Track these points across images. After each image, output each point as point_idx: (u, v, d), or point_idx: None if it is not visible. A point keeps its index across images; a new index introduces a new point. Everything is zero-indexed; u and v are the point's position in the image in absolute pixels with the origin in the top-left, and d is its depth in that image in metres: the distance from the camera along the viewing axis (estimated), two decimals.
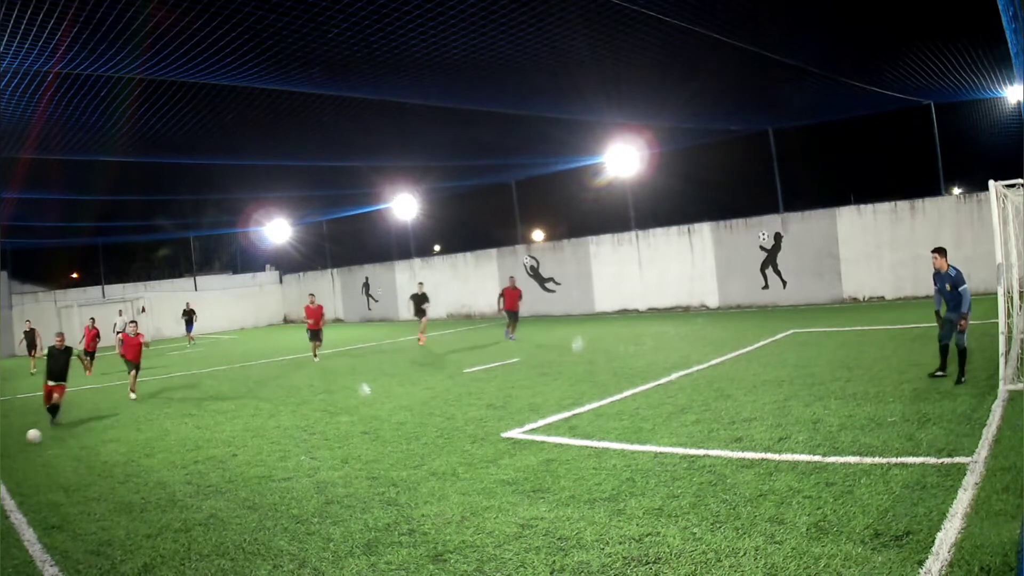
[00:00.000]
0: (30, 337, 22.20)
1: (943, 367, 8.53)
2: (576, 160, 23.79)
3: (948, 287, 8.33)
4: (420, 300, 19.51)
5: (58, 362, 11.70)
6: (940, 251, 8.56)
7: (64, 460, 8.54)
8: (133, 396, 13.43)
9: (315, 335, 17.92)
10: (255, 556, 4.88)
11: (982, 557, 3.84)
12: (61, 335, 12.31)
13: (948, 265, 8.40)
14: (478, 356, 15.45)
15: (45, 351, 11.99)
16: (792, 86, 14.81)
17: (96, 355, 19.30)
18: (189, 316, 28.89)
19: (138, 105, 11.60)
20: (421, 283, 20.52)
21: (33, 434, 9.58)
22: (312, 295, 19.53)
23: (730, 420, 7.57)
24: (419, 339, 19.17)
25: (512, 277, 19.71)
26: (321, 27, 8.84)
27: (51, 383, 11.52)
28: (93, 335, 19.56)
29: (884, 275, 19.24)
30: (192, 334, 28.86)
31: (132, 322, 14.95)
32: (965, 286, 8.18)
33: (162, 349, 26.74)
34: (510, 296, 18.40)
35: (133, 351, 13.85)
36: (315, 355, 18.02)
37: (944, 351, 8.51)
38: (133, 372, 13.72)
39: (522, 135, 18.22)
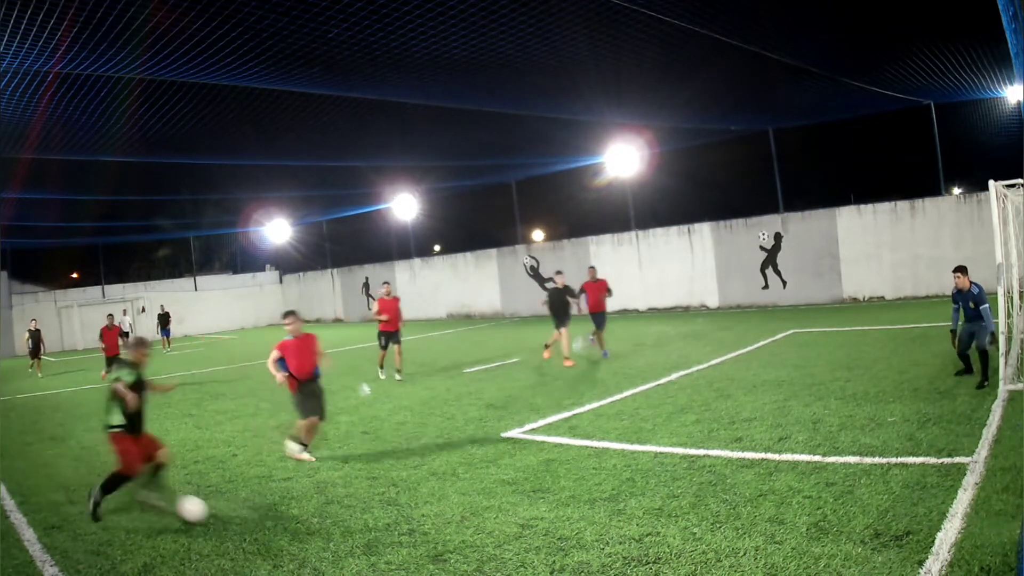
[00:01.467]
0: (35, 338, 20.25)
1: (968, 369, 8.38)
2: (576, 160, 23.79)
3: (972, 304, 8.16)
4: (562, 301, 13.18)
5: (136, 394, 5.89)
6: (962, 270, 8.33)
7: (64, 460, 8.54)
8: (307, 457, 7.39)
9: (392, 338, 12.77)
10: (255, 556, 4.88)
11: (982, 557, 3.84)
12: (141, 343, 6.33)
13: (971, 283, 8.22)
14: (478, 356, 15.44)
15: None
16: (792, 86, 14.81)
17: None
18: (164, 320, 26.51)
19: (138, 105, 11.60)
20: (560, 272, 13.87)
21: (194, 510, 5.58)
22: (387, 283, 13.55)
23: (730, 420, 7.57)
24: (565, 362, 12.87)
25: (592, 268, 14.41)
26: (321, 27, 8.84)
27: (133, 435, 5.95)
28: (115, 335, 15.83)
29: (884, 275, 19.23)
30: (169, 338, 26.63)
31: (290, 314, 7.77)
32: (986, 305, 8.01)
33: (160, 349, 26.73)
34: (592, 292, 13.61)
35: (304, 365, 7.56)
36: (398, 371, 12.86)
37: (966, 359, 8.40)
38: (313, 420, 7.48)
39: (522, 135, 18.22)
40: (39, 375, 19.41)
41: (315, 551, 4.88)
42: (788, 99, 16.82)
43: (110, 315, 17.39)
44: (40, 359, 20.20)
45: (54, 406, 13.42)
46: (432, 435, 8.22)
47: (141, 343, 6.27)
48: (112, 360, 14.72)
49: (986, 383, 7.83)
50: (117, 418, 5.85)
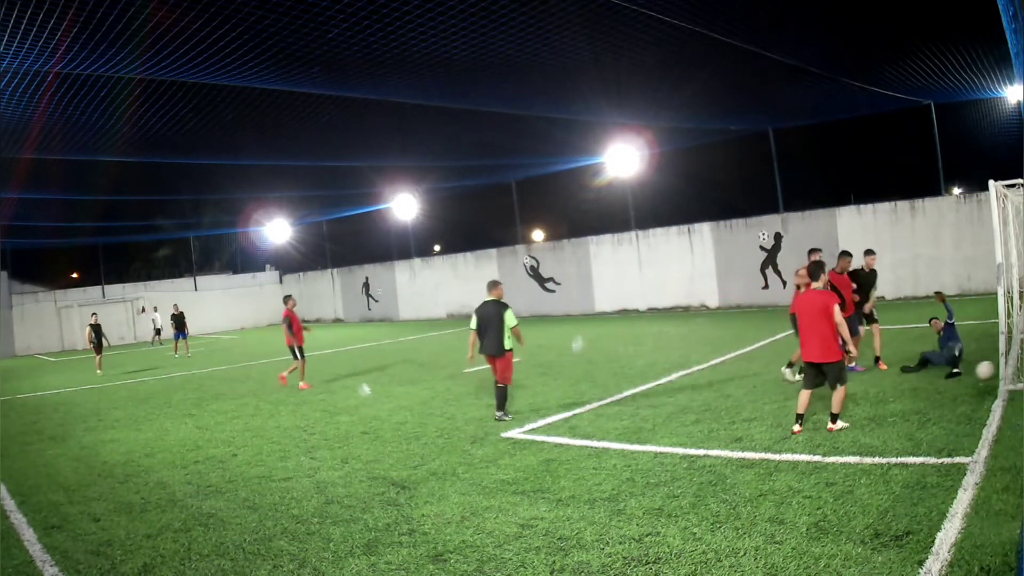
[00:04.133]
0: (98, 332, 19.07)
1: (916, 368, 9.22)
2: (576, 160, 23.79)
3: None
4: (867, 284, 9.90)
5: (488, 315, 8.77)
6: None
7: (64, 460, 8.54)
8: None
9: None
10: (255, 556, 4.88)
11: (982, 557, 3.84)
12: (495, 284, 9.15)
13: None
14: (478, 356, 15.42)
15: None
16: (792, 86, 14.81)
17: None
18: (180, 321, 23.11)
19: (138, 105, 11.61)
20: (848, 254, 9.75)
21: (985, 369, 7.80)
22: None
23: (730, 420, 7.57)
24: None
25: (837, 264, 9.74)
26: (321, 27, 8.84)
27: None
28: (298, 322, 13.13)
29: (884, 275, 19.11)
30: (186, 341, 23.09)
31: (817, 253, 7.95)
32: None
33: (161, 350, 26.72)
34: (843, 287, 9.22)
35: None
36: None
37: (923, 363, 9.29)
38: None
39: (522, 135, 18.21)
40: (99, 372, 18.58)
41: (315, 551, 4.88)
42: (788, 99, 16.81)
43: (289, 296, 13.84)
44: (101, 357, 19.06)
45: (54, 406, 13.43)
46: (432, 435, 8.22)
47: (495, 284, 9.21)
48: (300, 350, 12.96)
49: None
50: (510, 343, 8.74)
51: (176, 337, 23.11)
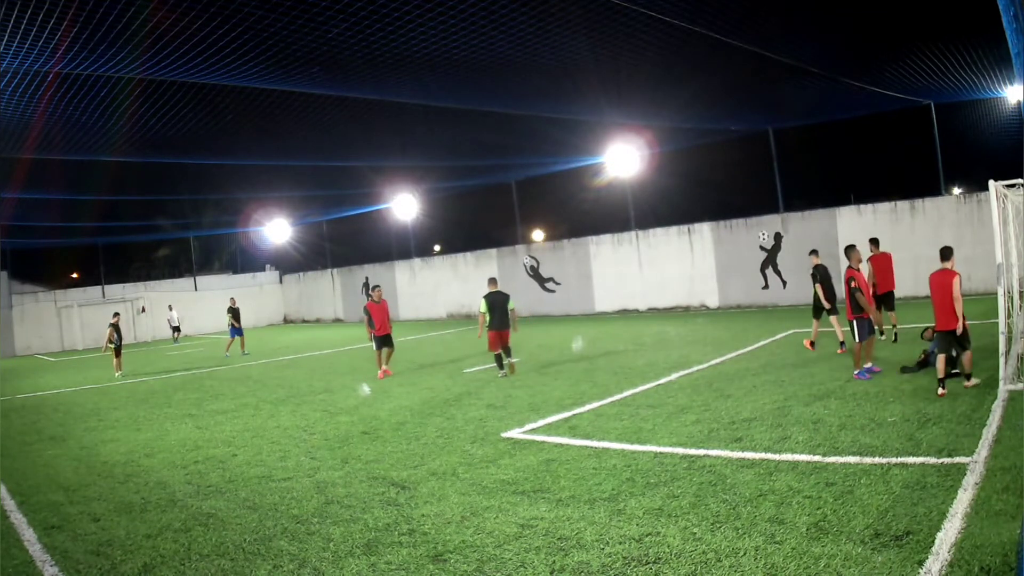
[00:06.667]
0: (117, 331, 18.20)
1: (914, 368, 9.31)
2: (576, 160, 23.80)
3: None
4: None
5: (497, 301, 12.33)
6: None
7: (64, 460, 8.54)
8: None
9: None
10: (255, 556, 4.88)
11: (982, 557, 3.84)
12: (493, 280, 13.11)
13: None
14: (478, 356, 15.44)
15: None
16: (792, 86, 14.81)
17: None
18: (237, 315, 21.11)
19: (138, 105, 11.60)
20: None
21: None
22: None
23: (730, 420, 7.57)
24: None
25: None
26: (322, 27, 8.84)
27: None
28: (384, 310, 13.60)
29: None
30: (241, 338, 21.22)
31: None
32: None
33: (162, 349, 26.73)
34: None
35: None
36: None
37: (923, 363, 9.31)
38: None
39: (522, 135, 18.22)
40: (117, 373, 17.81)
41: (315, 551, 4.88)
42: (788, 99, 16.81)
43: (375, 285, 14.17)
44: (120, 359, 18.19)
45: (54, 406, 13.43)
46: (432, 435, 8.22)
47: (494, 280, 13.19)
48: (386, 339, 13.42)
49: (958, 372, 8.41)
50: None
51: (233, 334, 21.02)
